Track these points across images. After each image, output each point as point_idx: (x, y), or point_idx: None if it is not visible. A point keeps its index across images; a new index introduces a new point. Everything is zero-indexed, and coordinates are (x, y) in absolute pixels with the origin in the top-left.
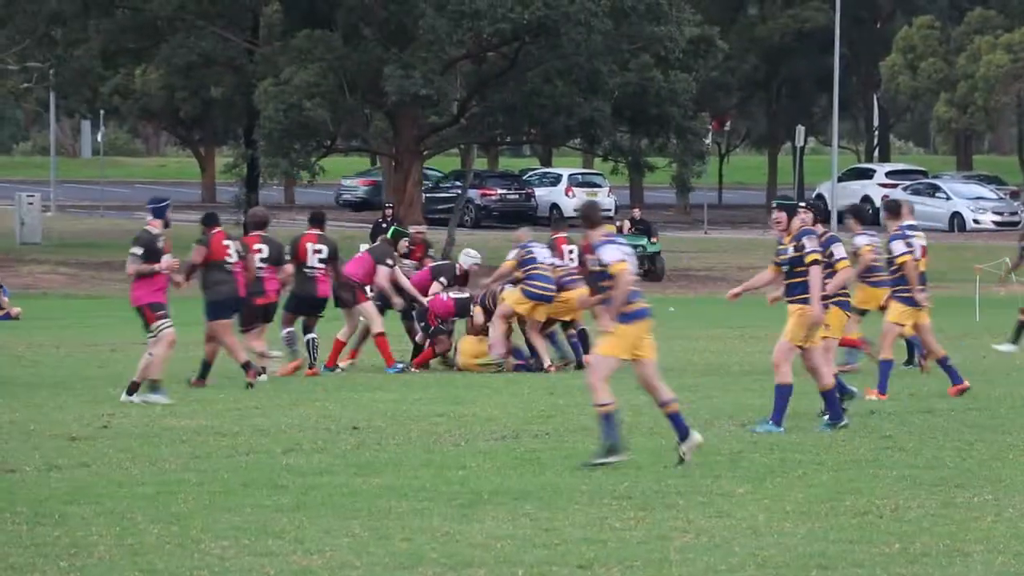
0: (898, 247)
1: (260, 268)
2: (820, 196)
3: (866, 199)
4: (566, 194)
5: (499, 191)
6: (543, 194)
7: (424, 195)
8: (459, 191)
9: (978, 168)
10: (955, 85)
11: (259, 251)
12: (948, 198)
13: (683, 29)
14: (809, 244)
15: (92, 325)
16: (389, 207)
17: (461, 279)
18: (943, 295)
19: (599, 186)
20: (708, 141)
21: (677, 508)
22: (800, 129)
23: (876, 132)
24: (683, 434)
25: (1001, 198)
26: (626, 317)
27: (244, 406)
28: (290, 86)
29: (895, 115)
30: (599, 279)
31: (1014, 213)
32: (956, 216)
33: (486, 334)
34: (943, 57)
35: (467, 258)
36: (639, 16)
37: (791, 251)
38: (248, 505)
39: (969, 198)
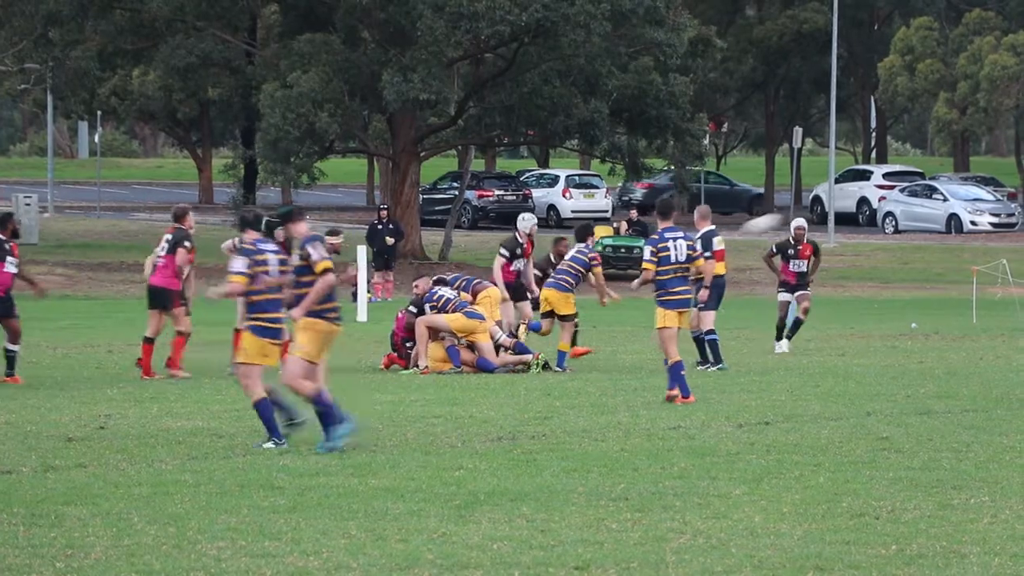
0: (645, 252)
1: None
2: (817, 198)
3: (863, 200)
4: (563, 195)
5: (496, 192)
6: (540, 195)
7: (421, 196)
8: (456, 192)
9: (975, 170)
10: (954, 86)
11: None
12: (945, 199)
13: (681, 35)
14: (315, 252)
15: (89, 326)
16: (384, 208)
17: (528, 245)
18: (940, 296)
19: (596, 187)
20: (706, 143)
21: (674, 509)
22: (797, 130)
23: (874, 133)
24: None
25: (998, 199)
26: None
27: (241, 407)
28: (296, 92)
29: (893, 116)
30: None
31: (1011, 215)
32: (953, 217)
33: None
34: (941, 58)
35: (524, 223)
36: (638, 19)
37: (297, 260)
38: (245, 506)
39: (966, 199)
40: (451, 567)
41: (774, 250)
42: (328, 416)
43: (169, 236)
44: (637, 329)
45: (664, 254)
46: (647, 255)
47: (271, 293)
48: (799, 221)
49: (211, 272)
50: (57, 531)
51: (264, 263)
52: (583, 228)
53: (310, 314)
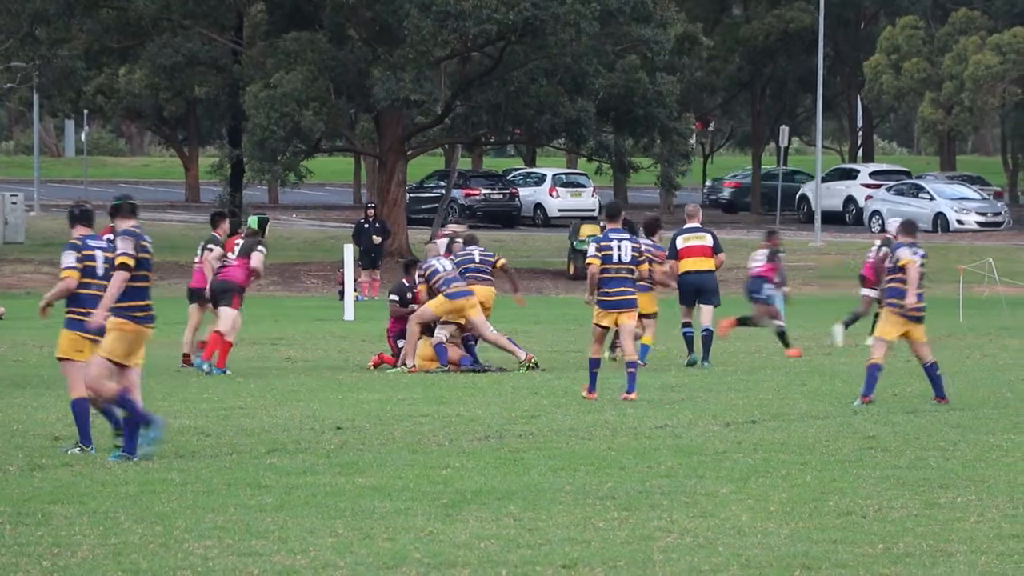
0: (590, 249)
1: None
2: (804, 197)
3: (850, 199)
4: (550, 194)
5: (483, 191)
6: (527, 194)
7: (408, 195)
8: (443, 191)
9: (962, 169)
10: (939, 85)
11: None
12: (932, 198)
13: (668, 31)
14: (120, 245)
15: None
16: (371, 207)
17: None
18: (927, 295)
19: (583, 186)
20: (692, 141)
21: (661, 508)
22: (784, 129)
23: (860, 132)
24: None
25: (985, 198)
26: None
27: (228, 406)
28: (280, 92)
29: (879, 115)
30: None
31: (997, 214)
32: (940, 216)
33: (431, 334)
34: (927, 57)
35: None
36: (625, 17)
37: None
38: (231, 505)
39: (953, 198)
40: (438, 566)
41: (883, 253)
42: (132, 423)
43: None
44: None
45: (606, 253)
46: (592, 251)
47: (92, 288)
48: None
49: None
50: (44, 530)
51: (92, 258)
52: (651, 222)
53: (117, 314)
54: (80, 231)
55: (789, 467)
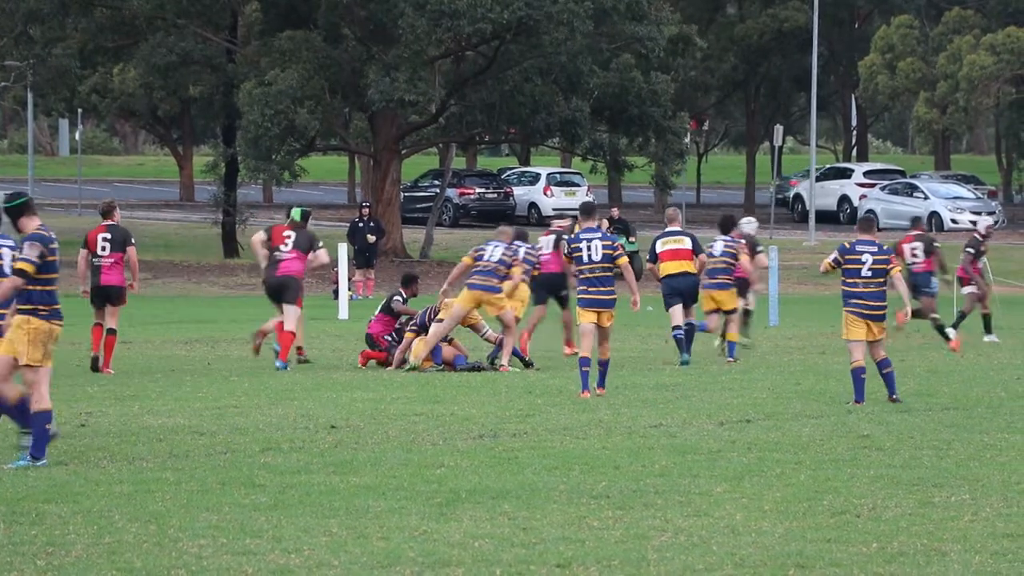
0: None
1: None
2: (798, 196)
3: (844, 198)
4: (544, 193)
5: (477, 190)
6: (521, 193)
7: (403, 194)
8: (438, 190)
9: (956, 168)
10: (934, 85)
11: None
12: (926, 198)
13: (663, 29)
14: (25, 250)
15: (70, 323)
16: (366, 206)
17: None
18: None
19: (578, 185)
20: (687, 140)
21: (655, 507)
22: (778, 128)
23: (854, 131)
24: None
25: (979, 198)
26: None
27: (222, 405)
28: (275, 90)
29: (873, 115)
30: None
31: (992, 213)
32: (934, 216)
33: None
34: (921, 57)
35: (748, 225)
36: (619, 15)
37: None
38: (226, 504)
39: (947, 198)
40: (432, 565)
41: (973, 253)
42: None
43: (108, 235)
44: (616, 326)
45: (577, 255)
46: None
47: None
48: (989, 220)
49: (199, 270)
50: (38, 529)
51: None
52: (726, 220)
53: (23, 312)
54: None
55: (783, 466)
